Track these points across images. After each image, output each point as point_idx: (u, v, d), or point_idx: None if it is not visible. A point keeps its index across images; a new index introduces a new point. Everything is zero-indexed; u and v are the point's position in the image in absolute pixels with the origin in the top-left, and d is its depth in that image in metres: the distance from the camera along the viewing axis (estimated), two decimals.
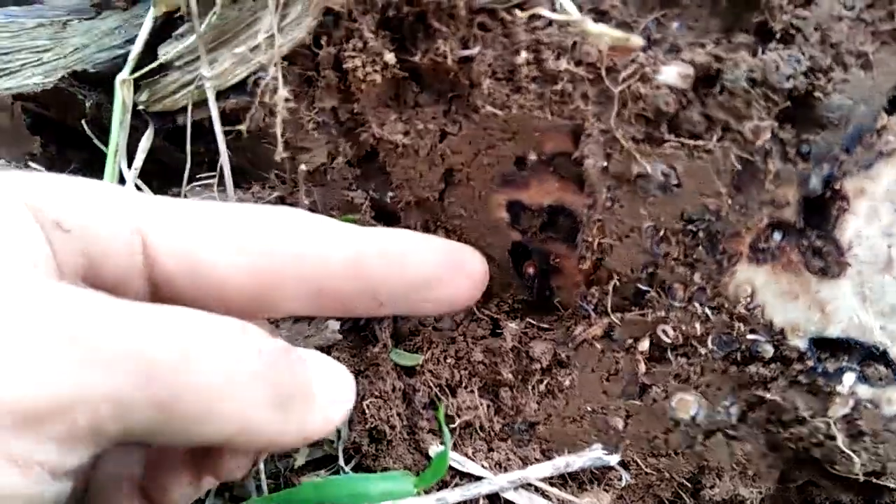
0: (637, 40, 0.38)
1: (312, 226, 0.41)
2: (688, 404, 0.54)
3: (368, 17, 0.45)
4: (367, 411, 0.56)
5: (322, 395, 0.37)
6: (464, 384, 0.57)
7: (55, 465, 0.27)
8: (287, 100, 0.43)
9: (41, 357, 0.26)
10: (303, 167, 0.47)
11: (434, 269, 0.46)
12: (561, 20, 0.39)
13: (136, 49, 0.53)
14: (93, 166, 0.80)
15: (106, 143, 0.67)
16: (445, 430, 0.51)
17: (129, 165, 0.61)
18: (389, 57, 0.45)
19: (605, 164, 0.45)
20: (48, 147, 0.66)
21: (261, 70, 0.48)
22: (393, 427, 0.56)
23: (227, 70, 0.49)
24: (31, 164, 0.63)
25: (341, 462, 0.58)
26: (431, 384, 0.57)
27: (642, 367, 0.53)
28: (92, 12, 0.57)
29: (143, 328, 0.29)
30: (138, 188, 0.57)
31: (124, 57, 0.55)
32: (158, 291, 0.36)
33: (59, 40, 0.56)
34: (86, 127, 0.66)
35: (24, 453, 0.26)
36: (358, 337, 0.65)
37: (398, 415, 0.57)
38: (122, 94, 0.53)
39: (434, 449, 0.55)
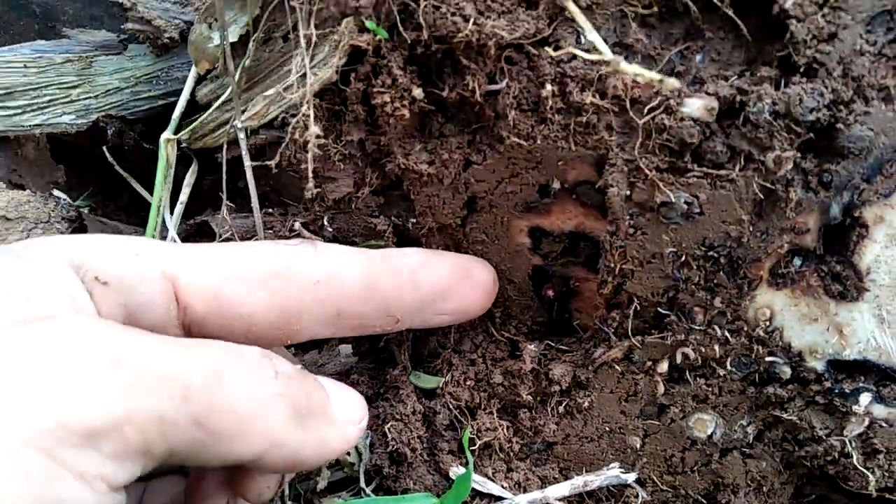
0: (673, 83, 0.39)
1: (326, 254, 0.45)
2: (705, 424, 0.55)
3: (397, 54, 0.46)
4: (388, 434, 0.57)
5: (338, 414, 0.41)
6: (483, 406, 0.58)
7: (112, 479, 0.30)
8: (318, 136, 0.44)
9: (95, 383, 0.29)
10: (329, 196, 0.48)
11: (444, 280, 0.50)
12: (595, 60, 0.40)
13: (179, 108, 0.55)
14: (109, 191, 0.81)
15: (128, 171, 0.69)
16: (469, 453, 0.51)
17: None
18: (417, 92, 0.46)
19: (629, 192, 0.46)
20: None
21: (291, 108, 0.50)
22: (414, 450, 0.57)
23: (259, 112, 0.51)
24: (54, 192, 0.64)
25: (362, 484, 0.58)
26: (451, 406, 0.58)
27: (661, 388, 0.54)
28: (119, 48, 0.58)
29: (179, 355, 0.33)
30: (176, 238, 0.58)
31: (164, 107, 0.56)
32: (191, 334, 0.40)
33: (88, 77, 0.57)
34: (107, 153, 0.67)
35: (89, 468, 0.28)
36: (376, 360, 0.66)
37: (418, 437, 0.57)
38: (167, 152, 0.55)
39: (455, 470, 0.56)
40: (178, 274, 0.39)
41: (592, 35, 0.39)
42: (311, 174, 0.44)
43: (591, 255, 0.53)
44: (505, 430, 0.57)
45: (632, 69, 0.39)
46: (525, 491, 0.56)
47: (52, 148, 0.68)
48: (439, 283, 0.49)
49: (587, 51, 0.41)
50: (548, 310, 0.58)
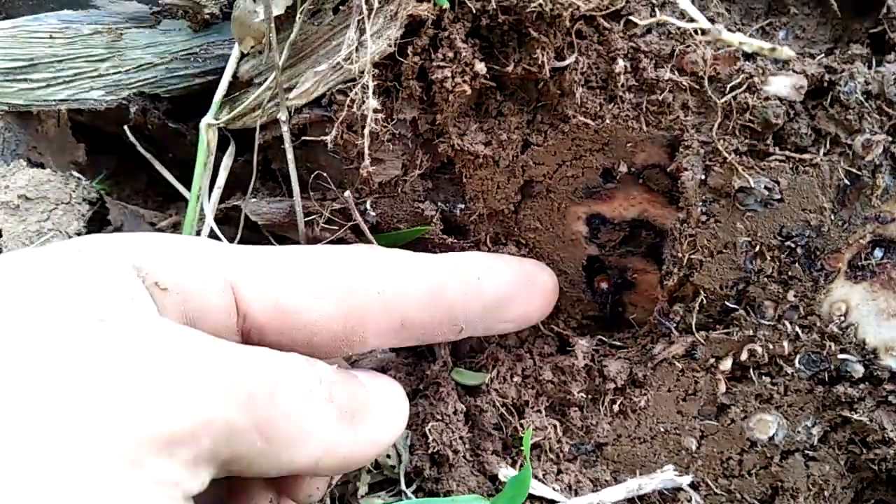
0: (787, 52, 0.36)
1: (390, 261, 0.43)
2: (767, 425, 0.52)
3: (459, 26, 0.43)
4: (429, 435, 0.54)
5: (381, 408, 0.40)
6: (531, 404, 0.55)
7: (187, 488, 0.29)
8: (376, 110, 0.41)
9: (172, 389, 0.28)
10: (347, 194, 0.45)
11: (510, 288, 0.48)
12: (693, 28, 0.37)
13: (222, 90, 0.51)
14: (126, 173, 0.78)
15: (149, 152, 0.65)
16: (528, 453, 0.48)
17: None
18: (480, 66, 0.43)
19: (704, 176, 0.44)
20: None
21: (340, 84, 0.47)
22: (456, 451, 0.54)
23: (308, 89, 0.47)
24: (74, 173, 0.60)
25: (403, 486, 0.55)
26: (497, 404, 0.55)
27: (722, 387, 0.52)
28: (150, 20, 0.55)
29: (245, 364, 0.32)
30: (214, 235, 0.55)
31: (201, 86, 0.53)
32: (248, 341, 0.38)
33: (117, 51, 0.54)
34: (128, 133, 0.63)
35: (167, 476, 0.27)
36: (413, 354, 0.63)
37: (460, 438, 0.54)
38: (207, 137, 0.52)
39: (504, 471, 0.53)
40: (239, 281, 0.38)
41: (685, 3, 0.36)
42: (367, 151, 0.41)
43: (653, 244, 0.50)
44: (555, 430, 0.54)
45: (736, 38, 0.36)
46: (577, 494, 0.53)
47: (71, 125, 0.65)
48: (505, 290, 0.47)
49: (683, 19, 0.38)
50: (600, 303, 0.55)
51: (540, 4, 0.40)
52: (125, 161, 0.79)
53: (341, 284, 0.40)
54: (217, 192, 0.58)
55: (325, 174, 0.56)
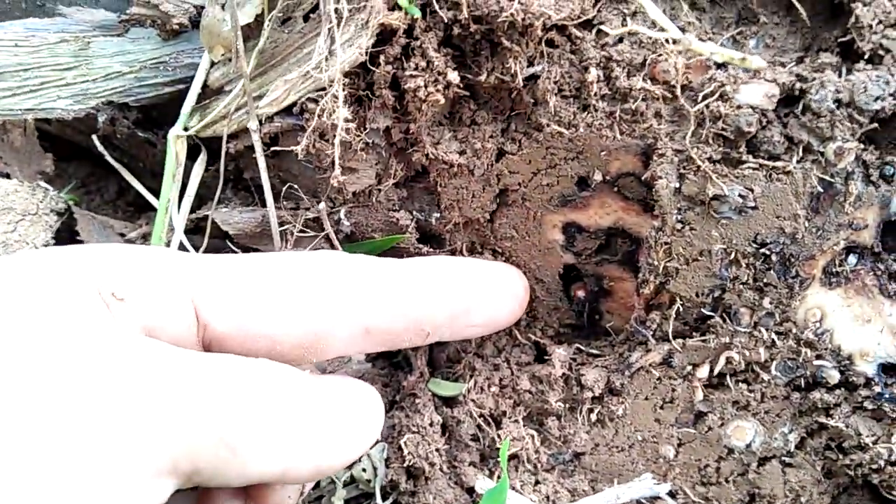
0: (758, 62, 0.36)
1: (353, 267, 0.42)
2: (744, 432, 0.52)
3: (431, 35, 0.43)
4: (404, 448, 0.53)
5: (353, 414, 0.39)
6: (508, 414, 0.55)
7: (151, 500, 0.29)
8: (346, 119, 0.40)
9: (130, 409, 0.29)
10: (321, 206, 0.44)
11: (476, 292, 0.47)
12: (662, 38, 0.37)
13: (191, 100, 0.51)
14: (94, 183, 0.76)
15: (119, 161, 0.64)
16: (505, 465, 0.48)
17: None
18: (453, 76, 0.43)
19: (678, 184, 0.44)
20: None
21: (311, 93, 0.46)
22: (432, 463, 0.53)
23: (279, 98, 0.47)
24: (41, 183, 0.59)
25: (378, 500, 0.55)
26: (475, 415, 0.54)
27: (699, 395, 0.52)
28: (118, 29, 0.54)
29: (207, 374, 0.32)
30: (183, 247, 0.54)
31: (170, 95, 0.52)
32: (210, 348, 0.37)
33: (85, 59, 0.53)
34: (98, 143, 0.62)
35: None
36: (389, 365, 0.62)
37: (437, 450, 0.54)
38: (176, 149, 0.51)
39: (481, 483, 0.53)
40: (198, 290, 0.37)
41: (655, 13, 0.36)
42: (337, 160, 0.40)
43: (628, 252, 0.50)
44: (532, 440, 0.53)
45: (707, 48, 0.36)
46: None
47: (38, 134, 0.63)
48: (471, 294, 0.47)
49: (653, 29, 0.38)
50: (577, 311, 0.55)
51: (512, 14, 0.39)
52: (94, 170, 0.78)
53: (302, 292, 0.39)
54: (188, 201, 0.57)
55: (297, 184, 0.56)
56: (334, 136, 0.43)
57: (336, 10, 0.41)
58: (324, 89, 0.46)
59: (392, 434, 0.55)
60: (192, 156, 0.57)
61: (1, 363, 0.28)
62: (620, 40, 0.43)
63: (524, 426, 0.54)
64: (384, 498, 0.55)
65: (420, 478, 0.53)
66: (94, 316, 0.32)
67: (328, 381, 0.39)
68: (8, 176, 0.56)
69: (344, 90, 0.46)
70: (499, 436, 0.53)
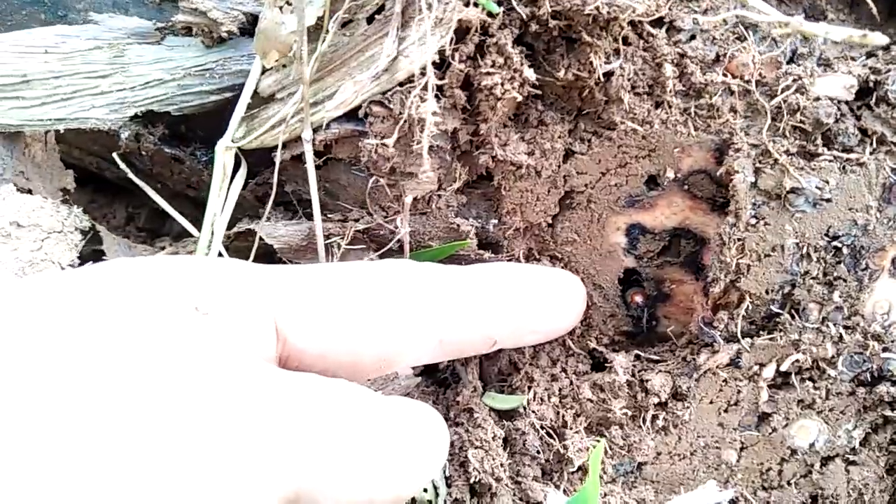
0: (879, 38, 0.37)
1: (427, 278, 0.41)
2: (808, 431, 0.52)
3: (507, 32, 0.42)
4: (470, 463, 0.51)
5: (425, 440, 0.38)
6: (570, 425, 0.53)
7: None
8: (434, 113, 0.39)
9: (265, 451, 0.28)
10: (408, 199, 0.43)
11: (541, 299, 0.47)
12: (771, 21, 0.37)
13: (241, 108, 0.49)
14: (99, 209, 0.73)
15: (143, 179, 0.61)
16: (597, 472, 0.46)
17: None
18: (529, 73, 0.42)
19: (754, 179, 0.44)
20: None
21: (378, 95, 0.45)
22: (498, 479, 0.51)
23: (347, 100, 0.45)
24: (64, 201, 0.56)
25: None
26: (537, 426, 0.53)
27: (764, 395, 0.51)
28: (154, 36, 0.52)
29: (312, 400, 0.31)
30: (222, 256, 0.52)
31: (215, 104, 0.50)
32: (287, 364, 0.37)
33: (121, 67, 0.50)
34: (119, 161, 0.59)
35: None
36: (434, 382, 0.60)
37: (501, 465, 0.52)
38: (224, 160, 0.49)
39: (553, 497, 0.51)
40: (279, 305, 0.36)
41: (757, 2, 0.36)
42: (426, 156, 0.39)
43: (691, 254, 0.50)
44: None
45: (820, 28, 0.37)
46: None
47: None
48: (535, 301, 0.47)
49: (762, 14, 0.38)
50: (634, 317, 0.54)
51: (597, 7, 0.39)
52: (97, 195, 0.74)
53: (382, 305, 0.39)
54: (225, 218, 0.54)
55: (345, 195, 0.54)
56: (421, 130, 0.41)
57: (411, 6, 0.40)
58: (390, 90, 0.45)
59: (452, 451, 0.53)
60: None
61: (113, 380, 0.26)
62: (693, 37, 0.43)
63: (587, 437, 0.53)
64: None
65: (485, 495, 0.51)
66: (193, 331, 0.31)
67: (401, 406, 0.38)
68: (30, 192, 0.53)
69: (406, 90, 0.45)
70: (564, 447, 0.52)
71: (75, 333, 0.28)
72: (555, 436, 0.53)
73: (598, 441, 0.54)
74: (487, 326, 0.44)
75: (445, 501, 0.52)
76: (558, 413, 0.53)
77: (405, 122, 0.42)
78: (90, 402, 0.25)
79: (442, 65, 0.44)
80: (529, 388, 0.54)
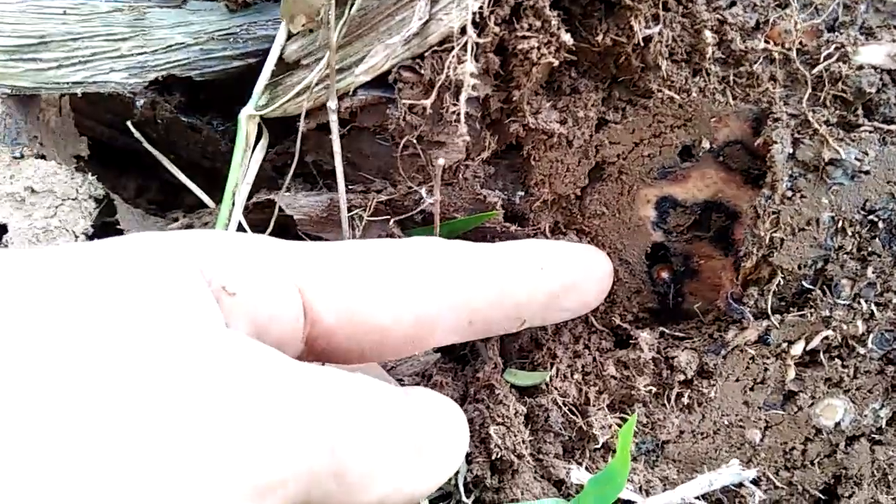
0: None
1: (458, 256, 0.41)
2: (835, 410, 0.51)
3: None
4: (491, 439, 0.50)
5: (445, 435, 0.37)
6: (593, 402, 0.52)
7: None
8: (473, 75, 0.38)
9: (267, 432, 0.27)
10: (440, 161, 0.42)
11: (570, 276, 0.46)
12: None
13: (266, 74, 0.47)
14: (109, 181, 0.71)
15: (156, 149, 0.60)
16: (627, 448, 0.45)
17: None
18: (566, 37, 0.41)
19: (792, 150, 0.43)
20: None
21: (408, 60, 0.44)
22: (520, 456, 0.50)
23: (376, 64, 0.44)
24: (77, 169, 0.54)
25: (464, 498, 0.51)
26: (559, 403, 0.52)
27: (791, 373, 0.51)
28: (176, 0, 0.51)
29: (329, 402, 0.30)
30: (242, 228, 0.50)
31: (237, 70, 0.49)
32: (314, 344, 0.36)
33: (141, 30, 0.49)
34: (134, 130, 0.58)
35: None
36: (453, 359, 0.59)
37: (523, 441, 0.51)
38: (247, 129, 0.47)
39: (577, 473, 0.50)
40: (308, 285, 0.35)
41: None
42: (462, 120, 0.38)
43: (722, 228, 0.49)
44: (620, 428, 0.51)
45: None
46: (648, 494, 0.50)
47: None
48: (566, 278, 0.46)
49: None
50: (660, 293, 0.53)
51: None
52: (105, 168, 0.73)
53: (412, 282, 0.38)
54: (246, 188, 0.53)
55: (368, 165, 0.53)
56: (457, 94, 0.40)
57: None
58: (421, 56, 0.44)
59: (472, 427, 0.52)
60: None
61: (115, 357, 0.25)
62: (733, 3, 0.42)
63: (610, 414, 0.52)
64: (467, 494, 0.52)
65: (507, 472, 0.50)
66: (205, 312, 0.30)
67: (421, 400, 0.37)
68: (44, 157, 0.51)
69: (439, 57, 0.44)
70: (587, 424, 0.51)
71: (81, 316, 0.25)
72: (577, 413, 0.52)
73: (625, 418, 0.53)
74: (517, 306, 0.43)
75: (466, 478, 0.51)
76: (581, 390, 0.52)
77: (441, 85, 0.40)
78: (83, 393, 0.23)
79: (476, 28, 0.43)
80: (552, 364, 0.53)
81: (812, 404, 0.51)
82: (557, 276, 0.45)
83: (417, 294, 0.38)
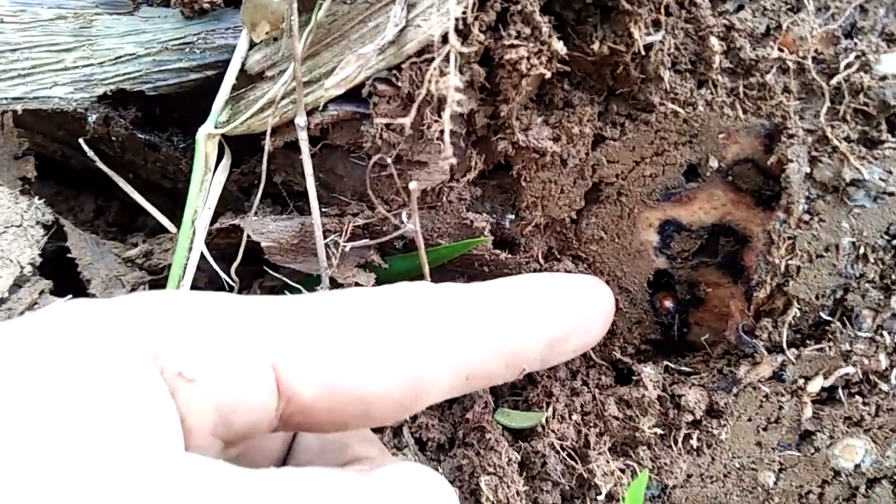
0: None
1: (447, 303, 0.35)
2: (854, 451, 0.47)
3: None
4: (482, 492, 0.45)
5: None
6: (593, 445, 0.48)
7: None
8: (458, 89, 0.33)
9: None
10: (414, 185, 0.37)
11: (574, 316, 0.42)
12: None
13: (225, 92, 0.43)
14: (65, 202, 0.66)
15: (113, 169, 0.55)
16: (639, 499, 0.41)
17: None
18: (559, 46, 0.37)
19: (809, 169, 0.39)
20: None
21: (384, 72, 0.39)
22: None
23: (349, 76, 0.39)
24: (23, 192, 0.49)
25: None
26: (557, 447, 0.47)
27: (808, 412, 0.46)
28: (126, 6, 0.46)
29: None
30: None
31: (195, 83, 0.44)
32: (290, 419, 0.31)
33: (87, 39, 0.44)
34: (86, 148, 0.53)
35: None
36: None
37: (517, 493, 0.46)
38: (206, 150, 0.43)
39: None
40: (282, 357, 0.30)
41: None
42: (447, 139, 0.33)
43: (730, 254, 0.45)
44: (624, 474, 0.46)
45: None
46: None
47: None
48: (570, 320, 0.41)
49: None
50: (663, 324, 0.49)
51: None
52: (61, 187, 0.68)
53: (404, 348, 0.33)
54: (208, 214, 0.48)
55: (342, 186, 0.48)
56: (440, 110, 0.36)
57: None
58: (398, 67, 0.40)
59: (461, 476, 0.47)
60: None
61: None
62: (741, 7, 0.38)
63: (612, 458, 0.47)
64: None
65: None
66: (154, 408, 0.25)
67: (395, 483, 0.32)
68: None
69: (418, 68, 0.39)
70: (588, 471, 0.46)
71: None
72: (577, 458, 0.48)
73: (629, 464, 0.48)
74: (517, 356, 0.38)
75: None
76: (580, 432, 0.48)
77: (421, 99, 0.36)
78: None
79: (458, 35, 0.38)
80: (548, 404, 0.48)
81: (830, 445, 0.47)
82: (561, 320, 0.40)
83: (408, 357, 0.33)
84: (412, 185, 0.34)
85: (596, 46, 0.38)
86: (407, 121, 0.35)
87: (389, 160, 0.42)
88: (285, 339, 0.30)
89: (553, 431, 0.47)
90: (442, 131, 0.41)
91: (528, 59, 0.37)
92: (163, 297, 0.30)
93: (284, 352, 0.30)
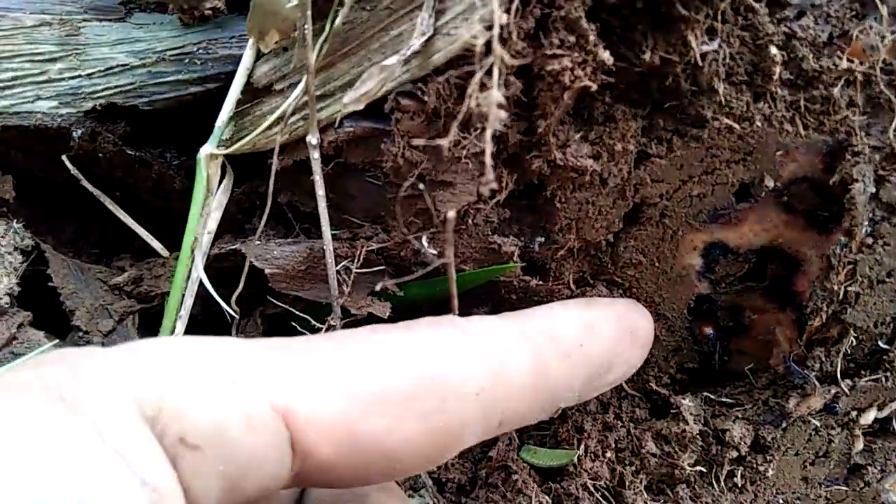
0: None
1: (482, 342, 0.32)
2: None
3: (578, 3, 0.33)
4: None
5: None
6: (629, 484, 0.44)
7: None
8: (500, 105, 0.30)
9: None
10: (451, 214, 0.32)
11: (612, 347, 0.38)
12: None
13: (229, 107, 0.39)
14: (44, 222, 0.61)
15: (99, 187, 0.50)
16: None
17: None
18: (605, 55, 0.34)
19: (875, 189, 0.36)
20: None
21: (408, 85, 0.36)
22: None
23: (371, 90, 0.35)
24: (1, 213, 0.45)
25: None
26: (592, 488, 0.44)
27: (859, 445, 0.43)
28: (117, 12, 0.42)
29: None
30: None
31: (196, 97, 0.40)
32: (307, 477, 0.28)
33: (75, 48, 0.40)
34: (70, 166, 0.48)
35: None
36: None
37: None
38: (208, 171, 0.39)
39: None
40: (295, 412, 0.27)
41: None
42: (489, 164, 0.29)
43: (779, 279, 0.42)
44: None
45: None
46: None
47: None
48: (608, 350, 0.38)
49: None
50: (704, 352, 0.46)
51: None
52: (42, 207, 0.63)
53: (431, 390, 0.29)
54: (208, 239, 0.44)
55: (355, 208, 0.44)
56: (471, 126, 0.32)
57: None
58: (423, 79, 0.36)
59: None
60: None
61: None
62: (802, 13, 0.35)
63: (649, 499, 0.44)
64: None
65: None
66: (151, 486, 0.22)
67: None
68: None
69: (447, 83, 0.35)
70: None
71: None
72: (611, 498, 0.44)
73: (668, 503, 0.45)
74: (555, 395, 0.35)
75: None
76: (615, 470, 0.44)
77: (461, 117, 0.32)
78: None
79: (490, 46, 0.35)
80: (579, 440, 0.45)
81: (881, 479, 0.44)
82: (600, 350, 0.37)
83: (436, 406, 0.29)
84: (450, 214, 0.30)
85: (647, 56, 0.34)
86: (445, 142, 0.31)
87: (421, 185, 0.38)
88: (299, 390, 0.27)
89: (586, 471, 0.44)
90: (479, 152, 0.37)
91: (572, 69, 0.33)
92: (161, 348, 0.26)
93: (297, 404, 0.26)
